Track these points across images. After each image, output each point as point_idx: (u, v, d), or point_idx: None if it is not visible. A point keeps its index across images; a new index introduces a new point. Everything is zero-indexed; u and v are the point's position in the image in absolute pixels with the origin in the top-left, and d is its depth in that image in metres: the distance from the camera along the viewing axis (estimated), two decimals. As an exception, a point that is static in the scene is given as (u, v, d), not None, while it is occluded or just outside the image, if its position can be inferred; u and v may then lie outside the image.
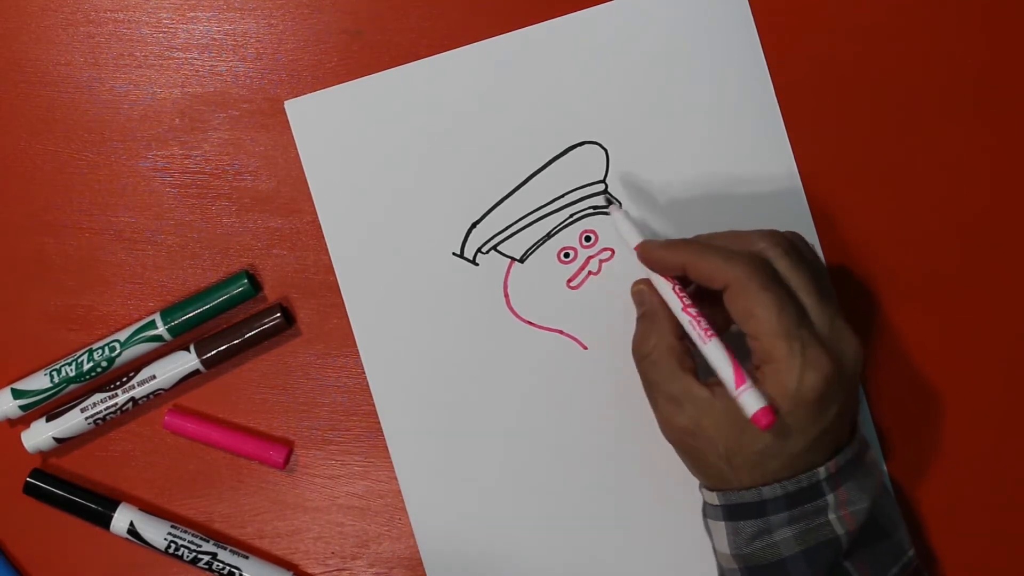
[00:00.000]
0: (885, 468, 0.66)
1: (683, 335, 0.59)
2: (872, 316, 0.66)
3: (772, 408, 0.55)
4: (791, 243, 0.59)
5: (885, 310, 0.67)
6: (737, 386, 0.55)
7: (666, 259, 0.59)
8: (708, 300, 0.60)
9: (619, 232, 0.62)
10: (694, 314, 0.58)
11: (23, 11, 0.66)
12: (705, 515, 0.61)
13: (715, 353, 0.57)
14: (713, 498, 0.59)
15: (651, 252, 0.60)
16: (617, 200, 0.65)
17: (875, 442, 0.66)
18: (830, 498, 0.57)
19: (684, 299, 0.59)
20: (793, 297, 0.57)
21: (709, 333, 0.57)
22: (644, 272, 0.61)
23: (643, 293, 0.61)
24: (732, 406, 0.56)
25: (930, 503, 0.67)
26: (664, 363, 0.59)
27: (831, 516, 0.57)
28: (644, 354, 0.60)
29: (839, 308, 0.59)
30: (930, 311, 0.67)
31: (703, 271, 0.58)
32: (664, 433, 0.60)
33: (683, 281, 0.60)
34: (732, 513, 0.58)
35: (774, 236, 0.59)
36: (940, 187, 0.66)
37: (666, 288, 0.60)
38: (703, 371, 0.59)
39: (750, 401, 0.55)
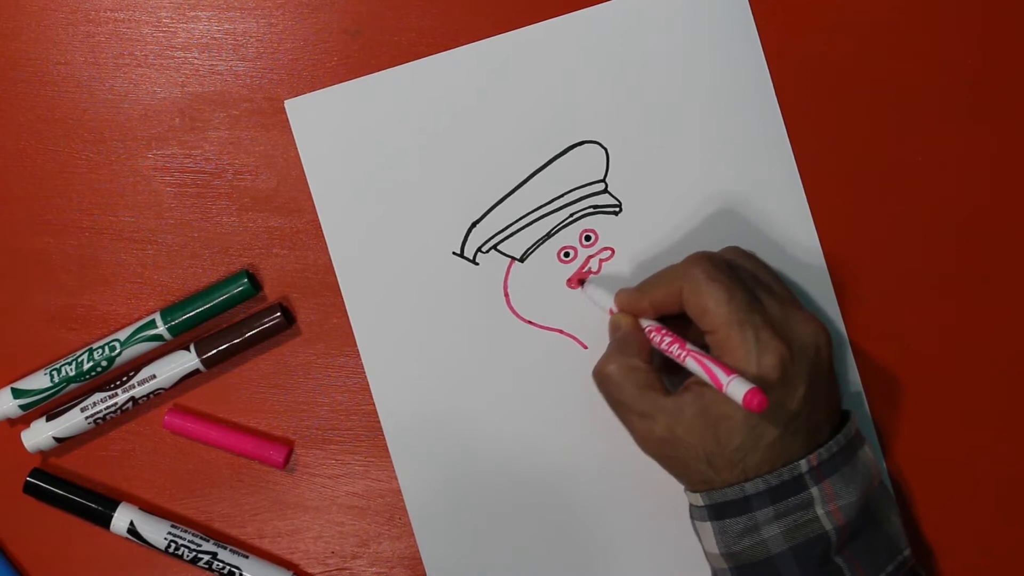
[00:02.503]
0: (885, 466, 0.66)
1: (649, 360, 0.60)
2: (872, 315, 0.66)
3: (760, 389, 0.54)
4: (722, 256, 0.62)
5: (885, 309, 0.67)
6: (726, 375, 0.55)
7: (638, 302, 0.62)
8: (683, 334, 0.61)
9: (594, 301, 0.64)
10: (670, 337, 0.59)
11: (23, 11, 0.66)
12: (692, 517, 0.61)
13: (697, 358, 0.57)
14: (698, 499, 0.60)
15: (625, 301, 0.62)
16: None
17: (874, 440, 0.66)
18: (815, 491, 0.58)
19: (661, 329, 0.60)
20: (741, 285, 0.58)
21: (687, 348, 0.58)
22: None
23: (618, 321, 0.63)
24: (700, 409, 0.57)
25: (928, 502, 0.67)
26: (626, 382, 0.60)
27: (819, 511, 0.58)
28: (605, 375, 0.61)
29: (791, 296, 0.61)
30: (930, 310, 0.67)
31: (662, 294, 0.60)
32: (643, 448, 0.61)
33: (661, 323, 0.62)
34: (718, 512, 0.59)
35: (706, 252, 0.61)
36: (939, 187, 0.66)
37: (646, 321, 0.62)
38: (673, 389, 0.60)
39: (738, 388, 0.55)
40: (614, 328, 0.63)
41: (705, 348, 0.59)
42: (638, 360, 0.60)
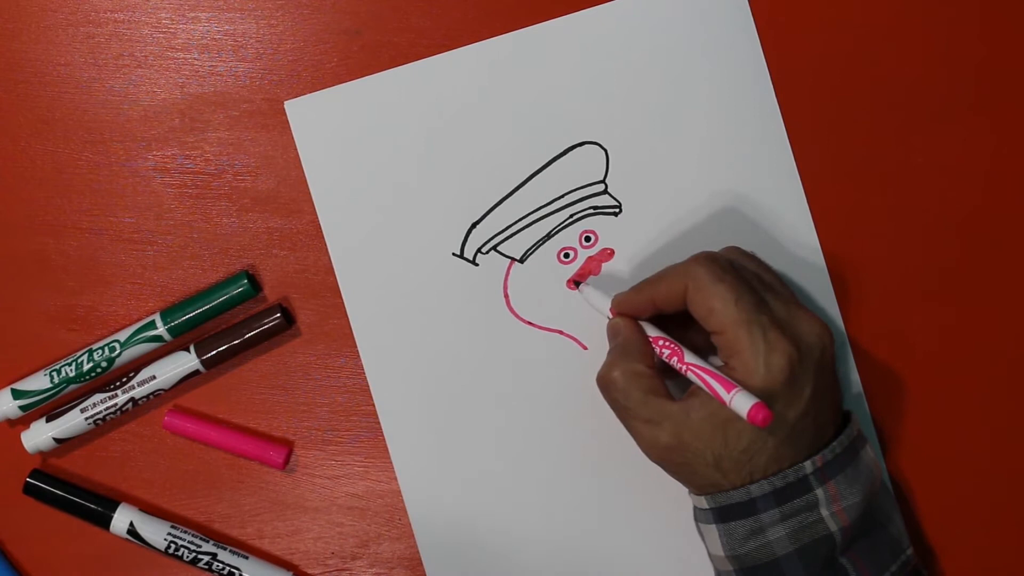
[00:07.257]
0: (885, 466, 0.66)
1: (653, 365, 0.60)
2: (872, 315, 0.66)
3: (764, 404, 0.54)
4: (726, 256, 0.61)
5: (885, 309, 0.67)
6: (727, 391, 0.55)
7: (636, 300, 0.61)
8: (684, 331, 0.61)
9: (591, 304, 0.64)
10: (672, 345, 0.59)
11: (23, 11, 0.66)
12: (697, 520, 0.61)
13: (697, 372, 0.57)
14: (703, 502, 0.59)
15: (623, 301, 0.62)
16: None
17: (874, 440, 0.66)
18: (820, 493, 0.57)
19: (659, 339, 0.60)
20: (748, 286, 0.58)
21: (687, 357, 0.58)
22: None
23: (618, 326, 0.62)
24: (709, 414, 0.57)
25: (929, 502, 0.67)
26: (632, 388, 0.59)
27: (823, 512, 0.58)
28: (610, 380, 0.60)
29: (794, 296, 0.61)
30: (930, 310, 0.67)
31: (664, 291, 0.60)
32: (649, 455, 0.60)
33: (659, 323, 0.61)
34: (723, 515, 0.58)
35: (710, 252, 0.61)
36: (940, 187, 0.66)
37: (646, 325, 0.61)
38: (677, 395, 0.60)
39: (742, 402, 0.55)
40: (614, 333, 0.62)
41: (709, 348, 0.59)
42: (642, 365, 0.59)
